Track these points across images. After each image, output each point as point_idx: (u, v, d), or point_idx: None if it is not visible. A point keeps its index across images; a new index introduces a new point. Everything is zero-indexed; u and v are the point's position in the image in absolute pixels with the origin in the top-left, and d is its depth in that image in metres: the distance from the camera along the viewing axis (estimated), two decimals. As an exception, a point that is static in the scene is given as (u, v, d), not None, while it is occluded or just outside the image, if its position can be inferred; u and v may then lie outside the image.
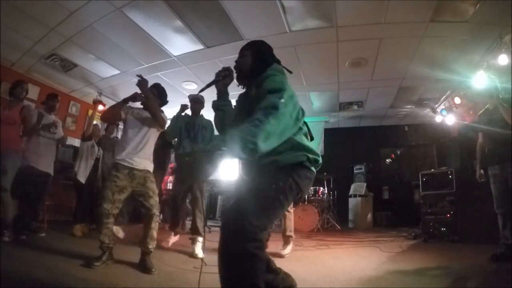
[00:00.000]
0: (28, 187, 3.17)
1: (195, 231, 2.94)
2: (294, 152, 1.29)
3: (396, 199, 6.53)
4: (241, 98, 1.57)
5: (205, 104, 3.23)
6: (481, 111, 3.03)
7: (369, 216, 6.24)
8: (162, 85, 2.93)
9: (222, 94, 1.57)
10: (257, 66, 1.47)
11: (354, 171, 6.87)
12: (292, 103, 1.28)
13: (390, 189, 6.81)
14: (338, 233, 5.14)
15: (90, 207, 3.71)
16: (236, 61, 1.57)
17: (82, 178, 3.69)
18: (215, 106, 1.57)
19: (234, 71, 1.56)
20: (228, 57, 4.30)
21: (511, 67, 3.38)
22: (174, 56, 4.32)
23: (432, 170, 4.71)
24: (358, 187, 6.46)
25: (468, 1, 3.04)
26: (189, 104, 3.30)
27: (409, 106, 6.06)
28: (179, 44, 4.02)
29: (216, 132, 3.02)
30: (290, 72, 1.54)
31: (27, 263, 2.14)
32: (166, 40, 3.96)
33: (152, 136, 2.59)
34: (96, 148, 3.90)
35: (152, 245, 2.34)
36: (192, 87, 5.38)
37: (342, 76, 4.82)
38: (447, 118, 5.39)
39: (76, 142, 5.36)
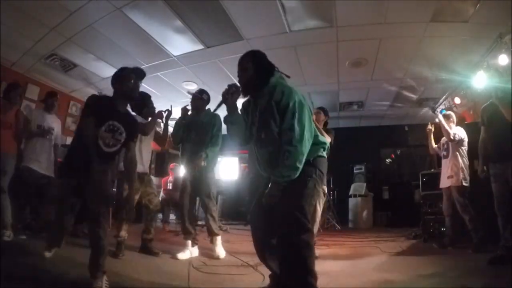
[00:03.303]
0: (28, 188, 3.19)
1: (209, 233, 2.95)
2: (313, 146, 1.56)
3: (396, 199, 6.52)
4: (246, 106, 1.74)
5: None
6: (484, 105, 2.96)
7: (369, 216, 6.24)
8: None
9: (232, 110, 1.69)
10: (260, 78, 1.63)
11: (354, 171, 6.87)
12: (307, 112, 1.53)
13: (390, 189, 6.80)
14: (338, 233, 5.15)
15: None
16: (239, 76, 1.69)
17: (82, 178, 3.69)
18: (229, 121, 1.70)
19: (239, 86, 1.67)
20: (228, 57, 4.29)
21: (511, 67, 3.37)
22: (174, 56, 4.32)
23: (432, 170, 4.71)
24: (358, 187, 6.47)
25: (468, 1, 3.04)
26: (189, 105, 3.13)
27: (409, 106, 6.06)
28: (179, 44, 4.02)
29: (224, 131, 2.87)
30: (288, 76, 1.72)
31: (27, 263, 2.14)
32: (166, 40, 3.96)
33: (150, 143, 3.09)
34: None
35: (152, 235, 2.93)
36: (192, 87, 5.37)
37: (342, 76, 4.82)
38: (447, 118, 5.38)
39: (76, 142, 5.35)
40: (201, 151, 2.84)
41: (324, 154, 1.64)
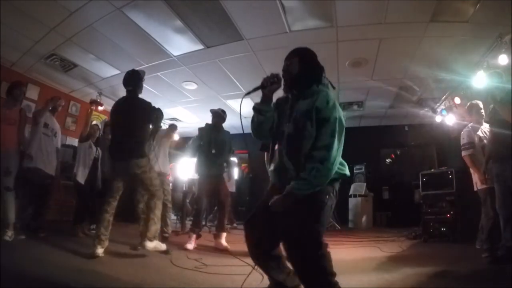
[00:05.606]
0: (33, 188, 3.25)
1: (220, 228, 3.44)
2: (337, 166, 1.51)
3: (396, 199, 6.53)
4: (281, 103, 1.63)
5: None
6: (490, 107, 2.94)
7: (369, 216, 6.23)
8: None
9: (266, 100, 1.57)
10: (305, 77, 1.54)
11: (354, 171, 6.85)
12: (343, 133, 1.53)
13: (390, 189, 6.80)
14: (338, 233, 5.14)
15: (90, 207, 3.71)
16: (283, 70, 1.59)
17: (81, 179, 3.69)
18: (257, 110, 1.57)
19: (282, 79, 1.57)
20: (228, 57, 4.30)
21: (511, 67, 3.36)
22: (174, 56, 4.32)
23: (432, 170, 4.71)
24: (358, 187, 6.46)
25: (468, 1, 3.04)
26: (211, 119, 3.62)
27: (409, 106, 6.07)
28: (179, 44, 4.02)
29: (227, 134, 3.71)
30: (334, 87, 1.66)
31: (27, 263, 2.14)
32: (166, 40, 3.96)
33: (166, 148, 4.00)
34: (94, 148, 3.89)
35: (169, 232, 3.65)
36: (192, 87, 5.38)
37: (342, 76, 4.82)
38: (447, 118, 5.38)
39: (76, 142, 5.36)
40: (221, 163, 3.51)
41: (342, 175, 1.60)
